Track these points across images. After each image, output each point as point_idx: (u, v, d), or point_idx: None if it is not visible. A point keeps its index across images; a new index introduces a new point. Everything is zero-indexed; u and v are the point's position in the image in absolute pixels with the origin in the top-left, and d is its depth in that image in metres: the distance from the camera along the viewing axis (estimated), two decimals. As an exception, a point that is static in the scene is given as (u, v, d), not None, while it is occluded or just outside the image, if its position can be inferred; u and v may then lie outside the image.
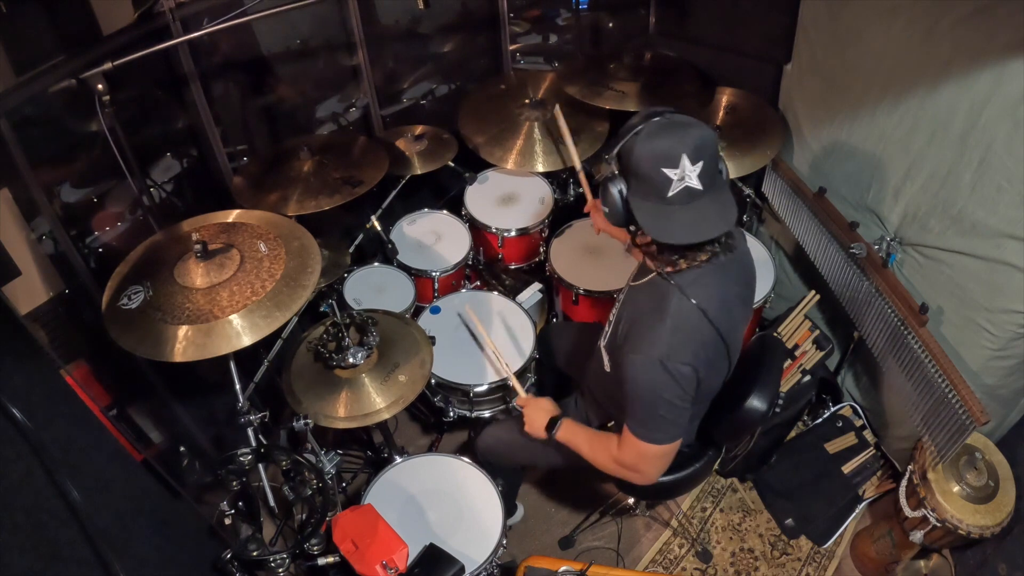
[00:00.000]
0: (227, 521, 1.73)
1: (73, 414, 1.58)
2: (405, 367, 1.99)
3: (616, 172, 1.44)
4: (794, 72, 2.49)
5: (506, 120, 2.66)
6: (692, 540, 2.47)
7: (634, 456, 1.60)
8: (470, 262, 2.73)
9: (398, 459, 2.03)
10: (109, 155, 1.79)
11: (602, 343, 1.75)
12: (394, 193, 2.62)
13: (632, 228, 1.49)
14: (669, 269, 1.51)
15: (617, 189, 1.43)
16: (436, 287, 2.59)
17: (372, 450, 2.50)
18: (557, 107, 2.40)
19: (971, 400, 1.84)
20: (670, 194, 1.36)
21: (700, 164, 1.35)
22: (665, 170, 1.35)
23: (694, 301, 1.46)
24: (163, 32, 2.11)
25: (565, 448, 1.82)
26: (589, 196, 2.18)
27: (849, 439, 2.56)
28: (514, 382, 2.03)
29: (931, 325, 2.02)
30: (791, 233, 2.59)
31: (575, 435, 1.76)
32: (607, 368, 1.71)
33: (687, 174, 1.35)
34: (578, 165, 2.28)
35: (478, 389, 2.21)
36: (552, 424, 1.79)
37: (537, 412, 1.84)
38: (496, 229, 2.67)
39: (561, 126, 2.34)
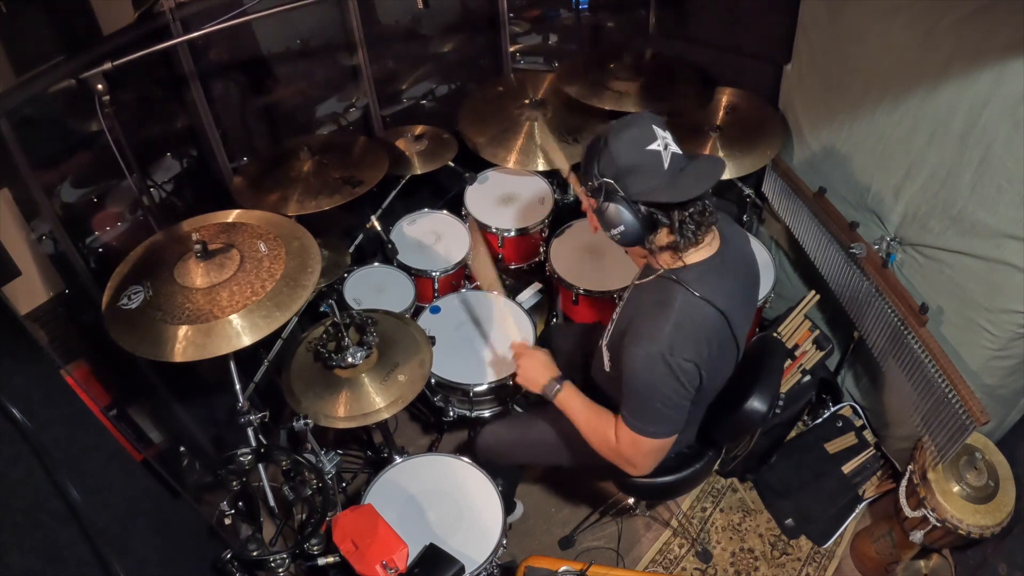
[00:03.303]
0: (227, 521, 1.73)
1: (73, 414, 1.58)
2: (405, 367, 1.99)
3: (613, 187, 1.43)
4: (794, 72, 2.49)
5: (506, 120, 2.66)
6: (692, 540, 2.47)
7: (629, 447, 1.59)
8: (470, 262, 2.73)
9: (398, 459, 2.03)
10: (109, 155, 1.79)
11: (603, 342, 1.75)
12: (394, 193, 2.62)
13: (650, 237, 1.48)
14: (689, 256, 1.49)
15: (620, 202, 1.43)
16: (436, 287, 2.59)
17: (372, 450, 2.50)
18: (539, 120, 2.41)
19: (971, 400, 1.84)
20: (666, 165, 1.42)
21: (668, 132, 1.44)
22: (649, 147, 1.41)
23: (700, 295, 1.46)
24: (163, 32, 2.11)
25: (565, 447, 1.82)
26: (584, 197, 2.18)
27: (849, 439, 2.56)
28: (510, 321, 1.96)
29: (931, 325, 2.02)
30: (791, 233, 2.59)
31: (575, 404, 1.71)
32: (607, 368, 1.71)
33: (667, 141, 1.42)
34: (566, 169, 2.27)
35: (478, 389, 2.21)
36: (551, 385, 1.73)
37: (534, 363, 1.78)
38: (496, 229, 2.67)
39: (545, 138, 2.35)
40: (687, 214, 1.45)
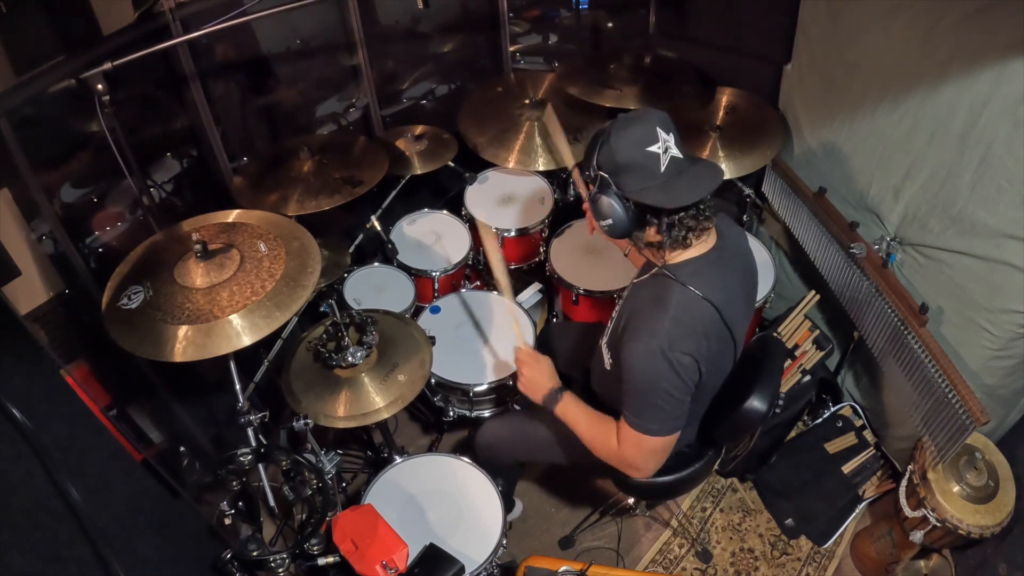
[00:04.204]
0: (227, 521, 1.73)
1: (73, 414, 1.58)
2: (404, 367, 1.99)
3: (608, 181, 1.46)
4: (794, 72, 2.49)
5: (506, 120, 2.66)
6: (692, 540, 2.47)
7: (632, 449, 1.59)
8: (470, 262, 2.73)
9: (398, 459, 2.03)
10: (109, 155, 1.79)
11: (603, 341, 1.75)
12: (394, 193, 2.62)
13: (637, 233, 1.51)
14: (678, 255, 1.51)
15: (612, 196, 1.45)
16: (436, 287, 2.59)
17: (372, 450, 2.50)
18: (548, 106, 2.39)
19: (971, 400, 1.84)
20: (663, 168, 1.42)
21: (672, 134, 1.43)
22: (649, 148, 1.41)
23: (699, 292, 1.47)
24: (163, 32, 2.11)
25: (564, 444, 1.82)
26: (585, 194, 2.18)
27: (849, 439, 2.56)
28: (516, 327, 1.94)
29: (931, 325, 2.01)
30: (791, 233, 2.59)
31: (576, 414, 1.72)
32: (607, 366, 1.71)
33: (668, 145, 1.42)
34: (571, 164, 2.27)
35: (478, 389, 2.21)
36: (553, 395, 1.74)
37: (538, 373, 1.77)
38: (496, 229, 2.67)
39: (554, 125, 2.33)
40: (677, 218, 1.47)
